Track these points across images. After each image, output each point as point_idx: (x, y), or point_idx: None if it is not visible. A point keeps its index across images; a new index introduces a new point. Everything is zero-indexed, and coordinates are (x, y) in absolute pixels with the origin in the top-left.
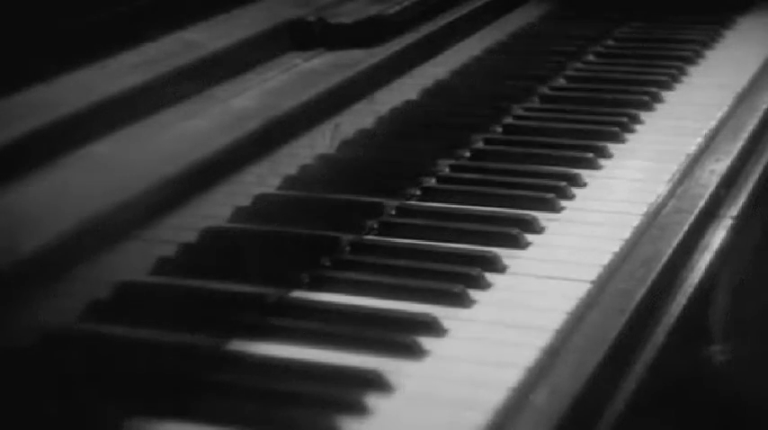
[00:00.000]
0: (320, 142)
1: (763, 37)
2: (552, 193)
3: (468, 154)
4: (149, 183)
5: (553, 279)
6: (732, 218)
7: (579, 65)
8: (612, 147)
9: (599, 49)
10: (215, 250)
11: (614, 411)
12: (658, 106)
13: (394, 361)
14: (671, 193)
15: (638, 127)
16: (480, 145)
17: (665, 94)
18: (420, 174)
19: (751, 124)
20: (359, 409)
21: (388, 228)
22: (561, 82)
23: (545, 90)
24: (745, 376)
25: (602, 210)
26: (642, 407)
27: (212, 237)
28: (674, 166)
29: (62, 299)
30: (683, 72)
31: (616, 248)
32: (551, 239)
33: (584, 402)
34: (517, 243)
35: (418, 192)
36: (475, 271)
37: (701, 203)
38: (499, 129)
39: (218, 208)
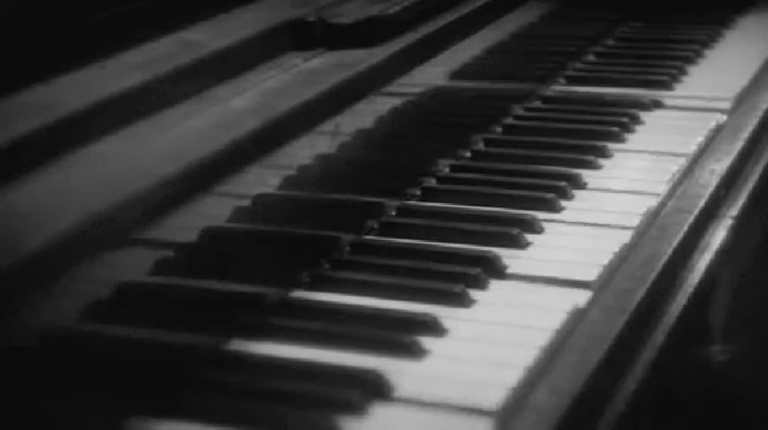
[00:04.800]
0: (320, 142)
1: (763, 37)
2: (552, 193)
3: (468, 154)
4: (149, 182)
5: (553, 279)
6: (732, 218)
7: (579, 65)
8: (612, 147)
9: (599, 49)
10: (215, 250)
11: (614, 411)
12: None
13: (394, 361)
14: (671, 193)
15: (638, 127)
16: (480, 145)
17: (665, 94)
18: (420, 174)
19: (751, 124)
20: (359, 409)
21: (388, 228)
22: (561, 82)
23: (545, 90)
24: (745, 376)
25: (603, 210)
26: (642, 407)
27: (212, 237)
28: (674, 166)
29: (62, 299)
30: (683, 72)
31: (616, 248)
32: (551, 239)
33: (584, 402)
34: (517, 243)
35: (418, 193)
36: (475, 271)
37: (701, 203)
38: (499, 130)
39: (218, 208)
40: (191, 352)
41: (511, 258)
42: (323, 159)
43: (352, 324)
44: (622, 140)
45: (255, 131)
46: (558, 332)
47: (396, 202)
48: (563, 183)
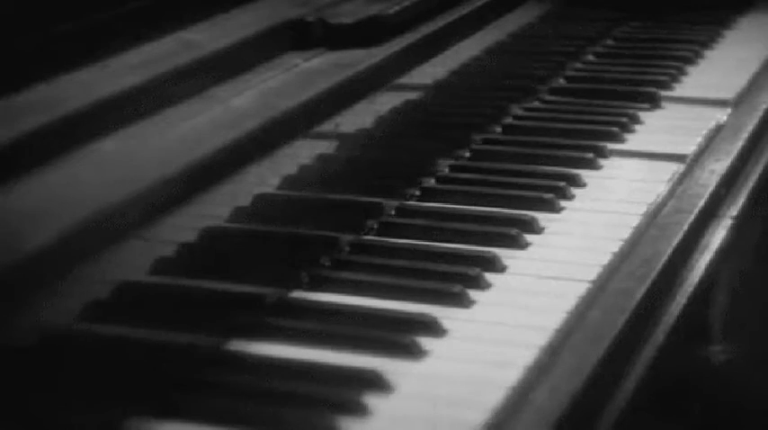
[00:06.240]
0: (320, 142)
1: (763, 37)
2: (552, 194)
3: (467, 154)
4: (149, 182)
5: (553, 279)
6: (732, 218)
7: (579, 65)
8: (612, 146)
9: (599, 49)
10: (215, 250)
11: (614, 410)
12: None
13: (393, 361)
14: (671, 193)
15: (637, 127)
16: (480, 145)
17: (665, 94)
18: (419, 174)
19: (751, 124)
20: (358, 409)
21: (387, 229)
22: (561, 82)
23: (545, 90)
24: (745, 376)
25: (602, 210)
26: (642, 407)
27: (212, 237)
28: (673, 166)
29: (62, 299)
30: (682, 72)
31: (616, 248)
32: (551, 239)
33: (584, 401)
34: (516, 243)
35: (418, 193)
36: (474, 271)
37: (701, 203)
38: (499, 129)
39: (218, 208)
40: (190, 352)
41: (510, 258)
42: (323, 159)
43: (351, 324)
44: (622, 140)
45: (255, 131)
46: (558, 332)
47: (395, 202)
48: (562, 184)
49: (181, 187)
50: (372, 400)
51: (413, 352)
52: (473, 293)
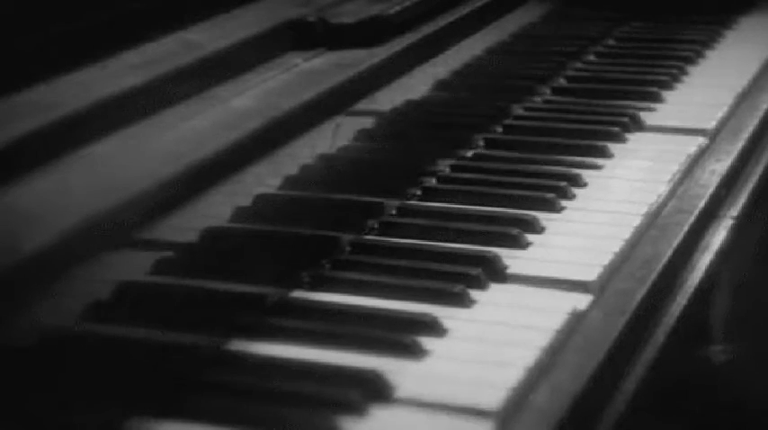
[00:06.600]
0: (320, 142)
1: (764, 37)
2: (552, 193)
3: (468, 154)
4: (150, 183)
5: (553, 279)
6: (732, 218)
7: (579, 65)
8: (612, 147)
9: (599, 48)
10: (215, 250)
11: (614, 411)
12: (658, 106)
13: (394, 361)
14: (671, 194)
15: (638, 127)
16: (480, 145)
17: (665, 94)
18: (420, 174)
19: (751, 124)
20: (359, 409)
21: (388, 228)
22: (561, 82)
23: (545, 90)
24: (745, 376)
25: (603, 210)
26: (642, 407)
27: (212, 237)
28: (674, 166)
29: (62, 299)
30: (683, 72)
31: (616, 248)
32: (552, 239)
33: (585, 402)
34: (517, 243)
35: (418, 192)
36: (475, 271)
37: (702, 203)
38: (499, 129)
39: (218, 208)
40: (191, 352)
41: (511, 258)
42: (323, 159)
43: (352, 324)
44: (622, 140)
45: (256, 131)
46: (559, 332)
47: (396, 202)
48: (563, 183)
49: (182, 187)
50: (373, 400)
51: (414, 352)
52: (474, 293)
